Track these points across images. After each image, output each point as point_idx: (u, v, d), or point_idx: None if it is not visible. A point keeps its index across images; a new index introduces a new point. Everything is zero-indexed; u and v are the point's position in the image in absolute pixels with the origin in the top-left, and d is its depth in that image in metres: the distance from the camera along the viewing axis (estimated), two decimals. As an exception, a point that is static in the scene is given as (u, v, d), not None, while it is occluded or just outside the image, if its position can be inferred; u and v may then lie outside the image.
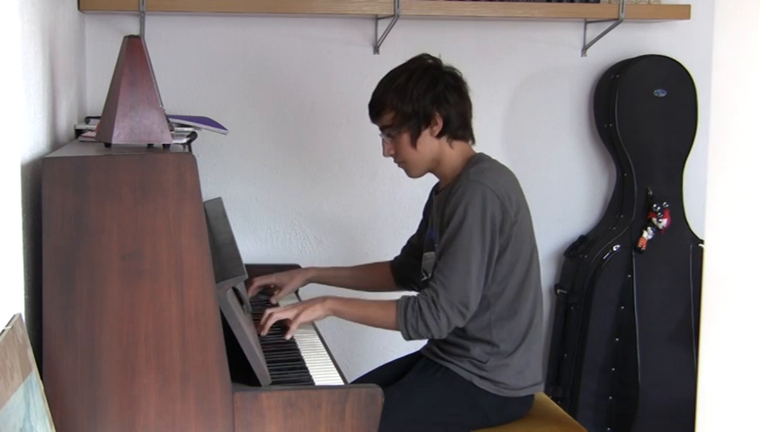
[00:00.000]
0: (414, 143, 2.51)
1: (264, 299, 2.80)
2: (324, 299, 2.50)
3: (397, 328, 2.43)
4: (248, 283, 2.78)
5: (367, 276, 2.90)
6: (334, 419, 2.00)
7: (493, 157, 2.58)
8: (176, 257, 1.90)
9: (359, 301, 2.55)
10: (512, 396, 2.50)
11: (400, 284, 2.87)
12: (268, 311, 2.46)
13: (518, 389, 2.50)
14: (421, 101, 2.48)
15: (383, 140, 2.58)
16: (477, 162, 2.52)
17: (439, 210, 2.53)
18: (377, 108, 2.55)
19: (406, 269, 2.83)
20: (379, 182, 3.47)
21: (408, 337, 2.43)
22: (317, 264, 3.38)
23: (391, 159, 2.61)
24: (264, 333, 2.42)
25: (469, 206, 2.40)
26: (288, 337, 2.43)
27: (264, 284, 2.81)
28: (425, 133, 2.51)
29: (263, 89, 3.37)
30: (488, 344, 2.48)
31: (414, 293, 2.48)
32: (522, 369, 2.50)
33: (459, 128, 2.53)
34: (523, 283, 2.50)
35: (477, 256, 2.39)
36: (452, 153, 2.54)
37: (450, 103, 2.50)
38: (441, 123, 2.50)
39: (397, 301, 2.43)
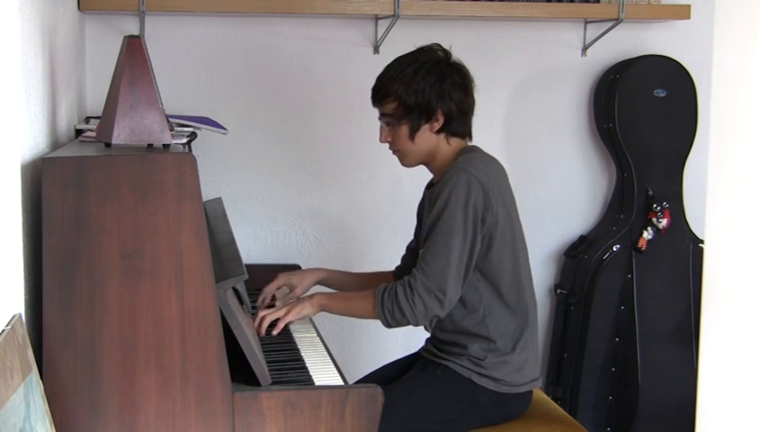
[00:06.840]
0: (412, 136, 2.50)
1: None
2: (312, 296, 2.53)
3: (376, 317, 2.42)
4: (252, 287, 2.76)
5: (371, 284, 2.77)
6: (334, 419, 2.00)
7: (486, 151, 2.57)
8: (176, 257, 1.90)
9: (344, 295, 2.61)
10: (511, 392, 2.50)
11: None
12: (260, 314, 2.49)
13: (517, 385, 2.50)
14: (425, 95, 2.47)
15: (381, 126, 2.56)
16: (467, 152, 2.52)
17: (430, 202, 2.52)
18: (381, 94, 2.52)
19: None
20: (379, 182, 3.47)
21: (387, 324, 2.43)
22: (318, 264, 3.39)
23: (388, 153, 2.60)
24: (261, 335, 2.45)
25: (453, 192, 2.39)
26: (274, 333, 2.45)
27: (275, 289, 2.77)
28: (425, 128, 2.50)
29: (262, 89, 3.37)
30: (485, 340, 2.48)
31: None
32: (521, 366, 2.51)
33: (460, 125, 2.53)
34: (513, 278, 2.49)
35: (458, 242, 2.38)
36: (448, 149, 2.53)
37: (454, 100, 2.49)
38: (442, 120, 2.49)
39: (376, 289, 2.44)
